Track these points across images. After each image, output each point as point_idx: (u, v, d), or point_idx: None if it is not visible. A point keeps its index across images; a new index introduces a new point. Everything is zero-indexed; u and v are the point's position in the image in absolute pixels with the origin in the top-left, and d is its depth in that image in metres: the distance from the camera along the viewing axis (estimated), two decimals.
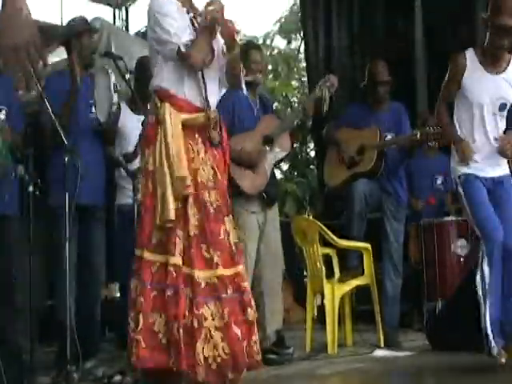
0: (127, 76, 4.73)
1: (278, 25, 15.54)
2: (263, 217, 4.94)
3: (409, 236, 6.27)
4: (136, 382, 4.00)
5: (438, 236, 6.11)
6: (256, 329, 3.55)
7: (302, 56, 13.53)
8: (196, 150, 3.56)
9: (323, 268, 5.21)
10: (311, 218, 6.72)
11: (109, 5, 15.48)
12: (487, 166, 4.36)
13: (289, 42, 15.53)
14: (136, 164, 4.66)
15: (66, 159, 4.09)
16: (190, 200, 3.47)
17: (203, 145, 3.59)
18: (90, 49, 4.83)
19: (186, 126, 3.53)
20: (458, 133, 4.43)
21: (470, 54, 4.43)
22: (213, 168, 3.59)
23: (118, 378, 4.17)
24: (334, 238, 5.22)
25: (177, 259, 3.38)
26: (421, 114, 6.95)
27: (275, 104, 14.15)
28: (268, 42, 15.83)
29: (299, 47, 14.25)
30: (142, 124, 4.33)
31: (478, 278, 4.15)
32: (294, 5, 14.01)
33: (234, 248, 3.54)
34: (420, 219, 6.25)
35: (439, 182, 6.64)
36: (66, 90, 4.55)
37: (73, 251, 4.33)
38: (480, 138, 4.36)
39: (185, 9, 3.71)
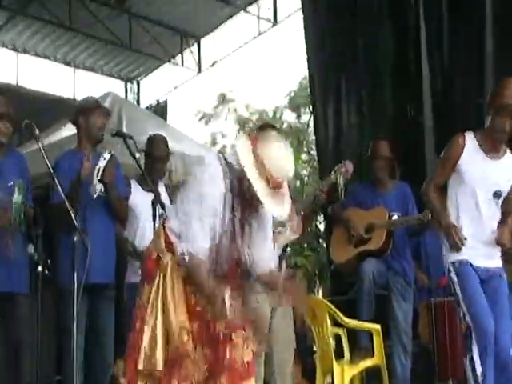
0: (137, 154, 4.76)
1: (288, 98, 15.74)
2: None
3: (418, 314, 6.23)
4: None
5: (449, 315, 6.04)
6: None
7: (311, 129, 13.63)
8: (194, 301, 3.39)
9: (332, 349, 5.18)
10: (320, 295, 6.70)
11: (120, 79, 15.88)
12: (482, 256, 4.27)
13: (298, 116, 15.70)
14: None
15: (75, 239, 4.11)
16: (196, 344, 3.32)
17: None
18: (99, 127, 4.86)
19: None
20: (455, 217, 4.36)
21: (471, 137, 4.40)
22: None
23: None
24: (344, 318, 5.19)
25: None
26: None
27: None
28: (278, 115, 16.01)
29: (308, 121, 14.41)
30: (153, 202, 4.40)
31: (469, 368, 4.10)
32: (303, 79, 14.21)
33: (245, 362, 3.38)
34: (429, 297, 6.21)
35: None
36: (76, 169, 4.58)
37: (81, 331, 4.36)
38: (477, 225, 4.30)
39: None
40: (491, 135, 4.36)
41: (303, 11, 9.89)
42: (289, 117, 15.99)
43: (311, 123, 12.41)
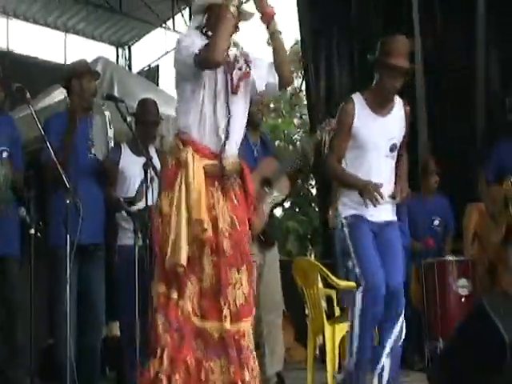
0: (128, 118, 4.72)
1: None
2: (262, 259, 4.94)
3: (409, 277, 6.23)
4: None
5: (439, 276, 6.14)
6: None
7: (303, 94, 13.58)
8: (216, 197, 3.47)
9: (324, 309, 5.22)
10: (312, 258, 6.73)
11: (112, 44, 15.73)
12: (375, 210, 4.24)
13: None
14: (137, 206, 4.70)
15: (68, 201, 4.10)
16: (207, 247, 3.39)
17: (222, 191, 3.50)
18: (90, 91, 4.86)
19: (206, 172, 3.44)
20: None
21: (358, 99, 4.37)
22: (231, 217, 3.48)
23: None
24: (335, 279, 5.20)
25: (186, 304, 3.32)
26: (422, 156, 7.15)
27: (277, 142, 14.20)
28: None
29: (301, 85, 14.33)
30: (144, 166, 4.39)
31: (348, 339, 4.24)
32: (295, 44, 14.11)
33: (238, 303, 3.41)
34: (419, 260, 6.28)
35: (436, 222, 6.74)
36: (65, 131, 4.60)
37: (73, 292, 4.36)
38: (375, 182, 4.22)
39: None
40: (380, 94, 4.35)
41: None
42: None
43: (303, 88, 12.34)
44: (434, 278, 6.11)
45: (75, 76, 4.83)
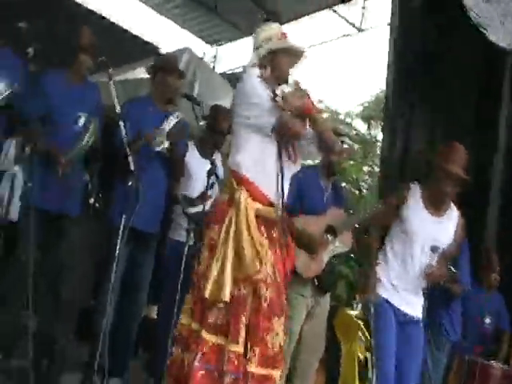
0: (202, 123, 4.93)
1: (361, 108, 15.63)
2: (313, 302, 4.94)
3: (450, 365, 6.06)
4: None
5: (480, 377, 5.88)
6: None
7: (379, 144, 13.48)
8: (261, 242, 3.53)
9: (356, 371, 5.20)
10: (359, 308, 6.66)
11: (201, 38, 15.83)
12: (404, 300, 4.42)
13: (369, 127, 15.58)
14: (196, 208, 4.82)
15: (130, 184, 4.23)
16: (248, 290, 3.46)
17: (267, 239, 3.58)
18: (173, 88, 4.96)
19: (257, 216, 3.55)
20: (387, 257, 4.53)
21: (415, 190, 4.60)
22: (272, 265, 3.55)
23: None
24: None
25: (239, 348, 3.36)
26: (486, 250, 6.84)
27: (344, 183, 14.13)
28: (349, 120, 15.89)
29: (377, 135, 14.29)
30: (208, 172, 4.53)
31: None
32: (380, 92, 14.06)
33: (274, 350, 3.46)
34: (463, 352, 6.09)
35: (488, 321, 6.49)
36: (142, 120, 4.71)
37: (120, 270, 4.48)
38: (405, 271, 4.45)
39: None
40: (434, 194, 4.56)
41: (392, 18, 9.73)
42: (359, 126, 15.90)
43: (380, 137, 12.27)
44: (475, 378, 5.88)
45: (163, 70, 4.96)
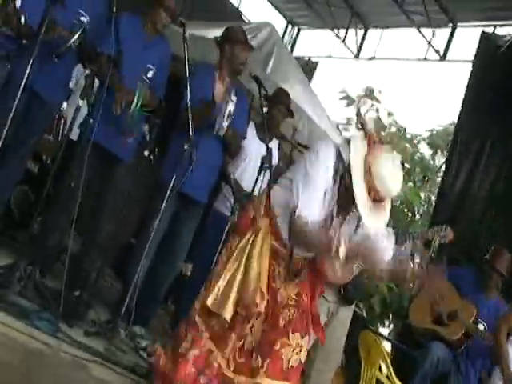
0: (265, 109, 4.96)
1: (429, 133, 15.54)
2: (335, 308, 4.97)
3: None
4: None
5: None
6: None
7: (440, 174, 13.40)
8: (278, 271, 3.55)
9: None
10: (387, 333, 6.72)
11: (284, 16, 15.87)
12: None
13: (434, 154, 15.47)
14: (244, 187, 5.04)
15: (186, 147, 4.34)
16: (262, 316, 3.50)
17: (285, 270, 3.57)
18: (239, 60, 5.00)
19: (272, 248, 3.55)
20: None
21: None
22: (297, 290, 3.57)
23: None
24: (394, 376, 5.18)
25: (223, 361, 3.44)
26: None
27: (398, 202, 14.06)
28: (415, 141, 15.83)
29: (441, 165, 14.18)
30: (263, 158, 4.50)
31: None
32: (450, 125, 13.98)
33: (289, 365, 3.43)
34: None
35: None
36: (207, 87, 4.84)
37: (162, 227, 4.67)
38: None
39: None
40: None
41: (478, 53, 9.56)
42: (424, 150, 15.82)
43: (443, 168, 12.21)
44: None
45: (230, 41, 5.00)
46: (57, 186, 4.43)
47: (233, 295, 3.44)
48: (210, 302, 3.47)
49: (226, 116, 4.71)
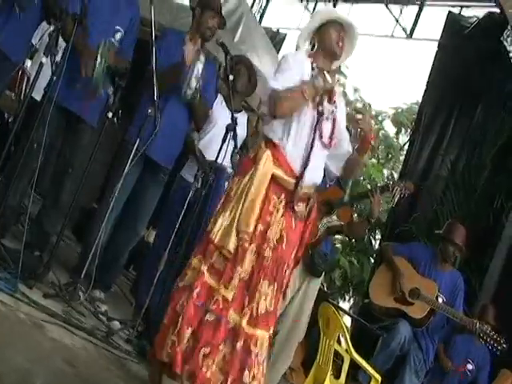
0: (231, 77, 4.83)
1: (393, 111, 15.63)
2: (300, 283, 5.01)
3: None
4: (138, 335, 4.36)
5: None
6: None
7: (403, 152, 13.51)
8: (277, 207, 3.51)
9: (331, 366, 5.07)
10: (346, 306, 6.70)
11: None
12: None
13: (397, 133, 15.59)
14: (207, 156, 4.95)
15: (150, 111, 4.35)
16: (253, 246, 3.45)
17: (285, 208, 3.53)
18: (207, 26, 4.92)
19: (277, 180, 3.52)
20: None
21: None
22: (281, 234, 3.51)
23: (117, 323, 4.42)
24: (352, 349, 5.10)
25: (227, 293, 3.38)
26: (483, 305, 6.72)
27: (361, 178, 14.15)
28: (380, 118, 15.93)
29: (404, 144, 14.30)
30: (228, 126, 4.50)
31: None
32: (415, 104, 14.07)
33: (261, 312, 3.42)
34: (441, 380, 6.23)
35: (470, 367, 6.38)
36: (177, 53, 4.78)
37: (126, 192, 4.69)
38: None
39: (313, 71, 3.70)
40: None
41: (443, 35, 9.77)
42: (388, 127, 15.92)
43: (405, 147, 12.29)
44: None
45: (201, 6, 4.96)
46: (18, 146, 4.29)
47: (234, 230, 3.43)
48: (216, 240, 3.44)
49: (194, 75, 4.63)
